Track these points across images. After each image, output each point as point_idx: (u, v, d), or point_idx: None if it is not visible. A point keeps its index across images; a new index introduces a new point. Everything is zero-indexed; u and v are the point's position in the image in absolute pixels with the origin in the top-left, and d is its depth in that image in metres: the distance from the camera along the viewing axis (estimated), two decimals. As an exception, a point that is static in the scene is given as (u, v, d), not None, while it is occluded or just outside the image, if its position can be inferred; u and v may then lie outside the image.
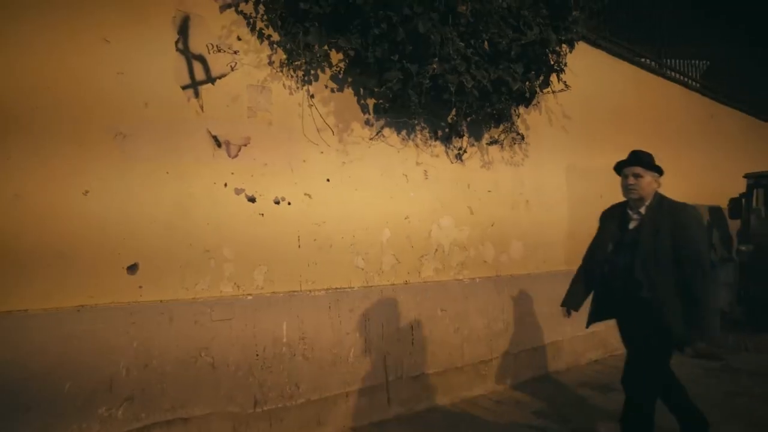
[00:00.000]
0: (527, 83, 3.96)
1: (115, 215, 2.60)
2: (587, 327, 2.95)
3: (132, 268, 2.63)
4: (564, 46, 4.07)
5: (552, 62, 4.00)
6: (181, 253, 2.79)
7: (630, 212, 2.72)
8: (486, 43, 3.58)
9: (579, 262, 4.91)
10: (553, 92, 4.20)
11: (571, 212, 5.01)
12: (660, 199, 2.67)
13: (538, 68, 3.97)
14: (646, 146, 5.99)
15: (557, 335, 4.72)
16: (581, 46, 4.46)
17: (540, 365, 4.57)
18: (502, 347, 4.27)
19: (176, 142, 2.80)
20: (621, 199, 2.82)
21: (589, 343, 5.03)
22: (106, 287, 2.55)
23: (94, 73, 2.59)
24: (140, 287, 2.65)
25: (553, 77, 4.08)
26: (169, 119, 2.79)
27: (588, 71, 5.00)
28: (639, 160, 2.67)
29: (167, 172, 2.77)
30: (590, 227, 5.09)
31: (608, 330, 5.21)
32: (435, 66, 3.27)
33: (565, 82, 4.10)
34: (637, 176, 2.64)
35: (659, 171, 2.69)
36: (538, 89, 4.08)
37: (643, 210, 2.67)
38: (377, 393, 3.49)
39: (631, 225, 2.69)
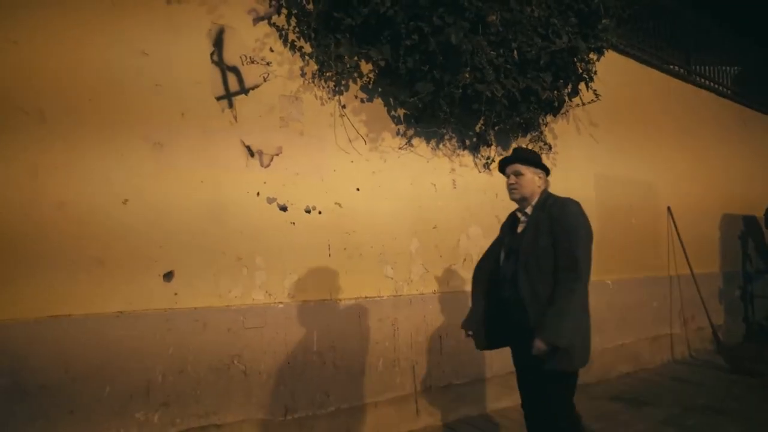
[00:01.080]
0: (555, 92, 3.94)
1: (152, 223, 2.66)
2: (479, 349, 2.61)
3: (168, 276, 2.68)
4: (593, 54, 4.03)
5: (581, 70, 3.97)
6: (214, 261, 2.83)
7: (519, 215, 2.48)
8: (515, 52, 3.57)
9: (610, 273, 4.89)
10: (582, 103, 4.15)
11: (600, 222, 4.92)
12: (545, 198, 2.40)
13: (566, 77, 3.94)
14: (676, 155, 5.92)
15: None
16: (609, 54, 4.41)
17: (569, 377, 4.48)
18: (531, 358, 4.20)
19: (211, 151, 2.86)
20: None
21: (620, 356, 4.93)
22: (143, 294, 2.60)
23: (132, 85, 2.67)
24: (176, 294, 2.70)
25: (582, 86, 4.04)
26: (203, 129, 2.85)
27: (616, 79, 4.95)
28: (517, 157, 2.44)
29: (202, 181, 2.82)
30: (619, 237, 5.03)
31: (639, 343, 5.12)
32: (467, 75, 3.27)
33: (595, 91, 4.06)
34: (517, 174, 2.41)
35: (544, 168, 2.46)
36: (566, 98, 4.04)
37: (529, 210, 2.42)
38: (406, 403, 3.47)
39: (519, 229, 2.44)
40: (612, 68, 4.74)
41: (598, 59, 4.15)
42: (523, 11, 3.48)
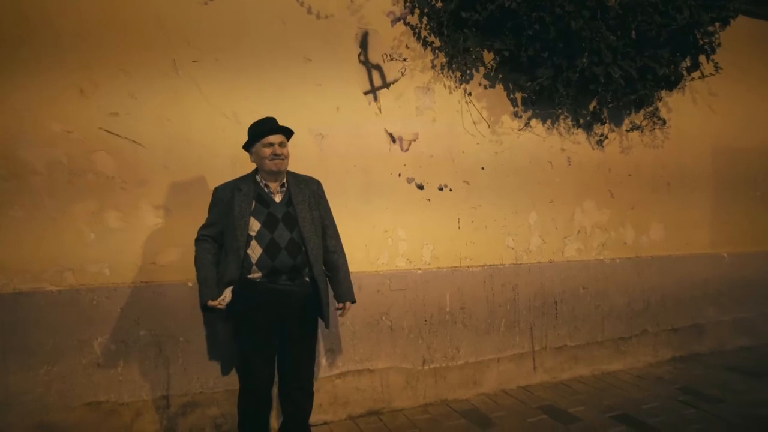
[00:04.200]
0: (672, 67, 3.99)
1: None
2: (226, 321, 2.73)
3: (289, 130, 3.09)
4: (717, 24, 4.00)
5: (701, 43, 3.97)
6: (366, 233, 3.36)
7: (263, 185, 2.53)
8: (633, 32, 3.69)
9: (727, 245, 4.85)
10: (702, 76, 4.14)
11: (717, 194, 4.90)
12: (291, 173, 2.62)
13: (685, 51, 3.97)
14: None
15: (699, 318, 4.71)
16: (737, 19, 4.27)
17: (680, 346, 4.61)
18: (642, 326, 4.40)
19: (361, 139, 3.35)
20: None
21: (736, 330, 4.93)
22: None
23: (298, 87, 3.20)
24: (337, 260, 3.26)
25: (702, 58, 4.04)
26: (355, 120, 3.34)
27: (743, 44, 4.76)
28: (285, 128, 2.52)
29: (355, 165, 3.33)
30: (738, 210, 4.94)
31: (759, 318, 5.06)
32: (585, 60, 3.48)
33: (716, 63, 4.04)
34: (283, 145, 2.49)
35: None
36: (684, 72, 4.07)
37: (284, 182, 2.56)
38: (524, 360, 3.86)
39: (278, 199, 2.52)
40: (738, 32, 4.55)
41: (723, 28, 4.09)
42: (644, -9, 3.58)
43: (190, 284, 2.87)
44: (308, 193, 2.61)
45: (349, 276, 2.75)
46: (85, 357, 2.68)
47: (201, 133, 2.94)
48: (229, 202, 2.49)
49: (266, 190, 2.54)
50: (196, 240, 2.62)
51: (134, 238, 2.80)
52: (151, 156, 2.83)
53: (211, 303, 2.45)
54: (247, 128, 2.96)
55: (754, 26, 4.99)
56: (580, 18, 3.36)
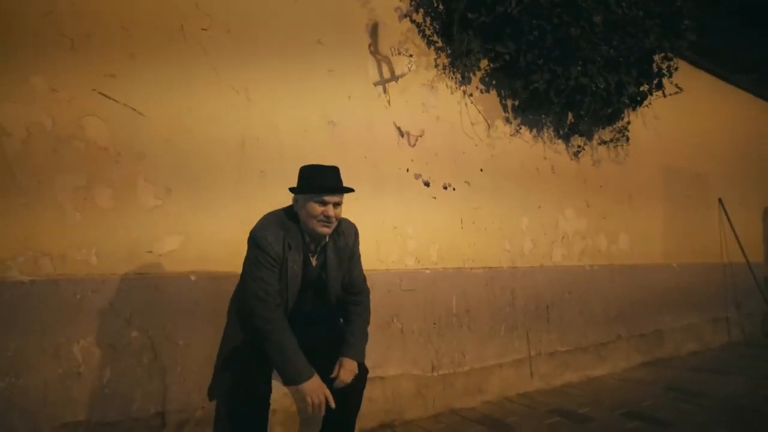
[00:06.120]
0: (640, 87, 4.35)
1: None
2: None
3: (351, 190, 2.91)
4: (671, 55, 4.45)
5: (662, 67, 4.39)
6: (375, 229, 3.15)
7: (308, 242, 2.14)
8: (612, 50, 3.98)
9: (676, 256, 5.25)
10: (664, 95, 4.55)
11: (665, 210, 5.33)
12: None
13: (649, 73, 4.36)
14: (734, 169, 6.16)
15: (659, 324, 5.00)
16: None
17: (647, 352, 4.83)
18: (616, 332, 4.55)
19: (371, 130, 3.19)
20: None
21: (687, 335, 5.29)
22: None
23: (310, 71, 3.00)
24: (348, 257, 3.00)
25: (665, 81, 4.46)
26: (365, 111, 3.18)
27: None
28: (347, 189, 2.10)
29: (365, 157, 3.15)
30: (681, 225, 5.40)
31: (702, 324, 5.48)
32: (579, 68, 3.66)
33: (677, 84, 4.48)
34: (338, 206, 2.07)
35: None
36: (649, 93, 4.45)
37: (327, 240, 2.17)
38: (522, 366, 3.78)
39: (314, 262, 2.17)
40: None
41: (679, 57, 4.54)
42: (622, 11, 3.89)
43: (192, 278, 2.46)
44: (346, 254, 2.23)
45: (365, 332, 2.29)
46: (62, 365, 2.14)
47: (208, 106, 2.60)
48: (282, 263, 2.06)
49: (308, 248, 2.15)
50: (262, 299, 2.00)
51: (128, 221, 2.35)
52: (150, 126, 2.44)
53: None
54: (257, 107, 2.69)
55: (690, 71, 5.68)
56: (579, 27, 3.55)
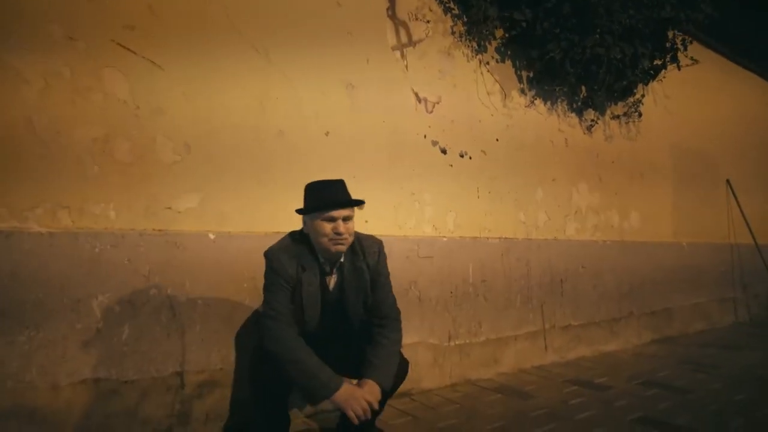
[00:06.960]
0: (654, 61, 4.31)
1: (344, 156, 2.91)
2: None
3: (360, 204, 2.92)
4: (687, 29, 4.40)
5: (678, 42, 4.35)
6: (394, 195, 3.10)
7: (323, 262, 2.01)
8: (627, 20, 3.92)
9: (685, 235, 5.23)
10: (679, 68, 4.50)
11: (675, 189, 5.30)
12: (356, 240, 2.04)
13: (663, 46, 4.31)
14: (743, 150, 6.13)
15: (668, 303, 4.98)
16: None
17: (657, 329, 4.81)
18: (628, 308, 4.53)
19: (390, 95, 3.14)
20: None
21: (695, 314, 5.28)
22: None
23: (329, 34, 2.93)
24: (366, 222, 2.95)
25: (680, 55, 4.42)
26: (384, 75, 3.12)
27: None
28: (355, 201, 1.95)
29: (383, 121, 3.09)
30: (690, 204, 5.38)
31: (709, 304, 5.47)
32: (597, 36, 3.61)
33: (692, 57, 4.43)
34: (348, 220, 1.93)
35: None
36: (663, 67, 4.41)
37: (342, 259, 2.02)
38: (537, 339, 3.75)
39: (331, 284, 2.05)
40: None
41: (695, 30, 4.48)
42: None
43: (211, 236, 2.41)
44: (365, 274, 2.06)
45: (390, 359, 1.98)
46: (81, 320, 2.09)
47: (227, 63, 2.54)
48: (296, 284, 1.96)
49: (324, 270, 2.02)
50: (273, 319, 1.88)
51: (147, 177, 2.29)
52: (169, 80, 2.37)
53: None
54: (277, 67, 2.63)
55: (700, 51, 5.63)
56: (595, -5, 3.50)
